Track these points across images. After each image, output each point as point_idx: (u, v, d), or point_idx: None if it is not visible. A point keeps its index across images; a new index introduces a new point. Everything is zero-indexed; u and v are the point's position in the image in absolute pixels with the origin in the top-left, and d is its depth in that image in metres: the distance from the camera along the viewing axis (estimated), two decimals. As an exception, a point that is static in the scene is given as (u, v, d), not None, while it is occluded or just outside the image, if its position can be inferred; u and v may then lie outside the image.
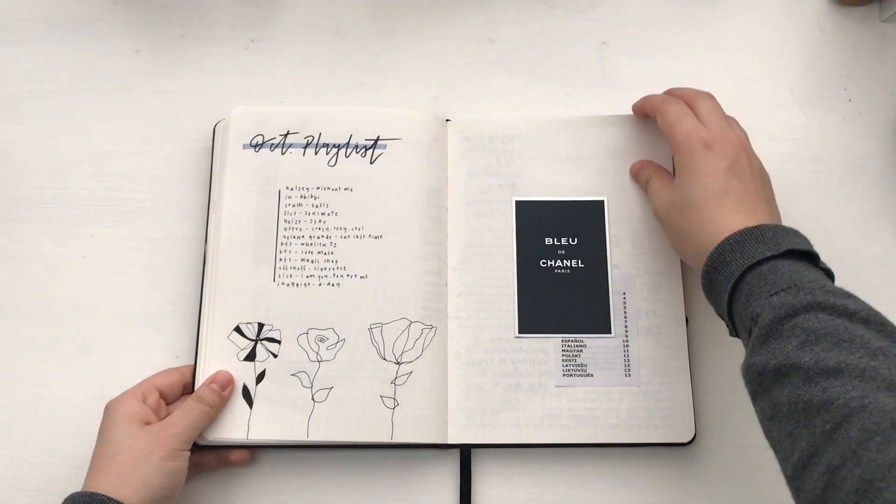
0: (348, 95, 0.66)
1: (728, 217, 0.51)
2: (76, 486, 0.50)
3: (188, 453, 0.52)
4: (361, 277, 0.58)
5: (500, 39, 0.68)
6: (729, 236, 0.49)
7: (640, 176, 0.61)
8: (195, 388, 0.56)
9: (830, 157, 0.64)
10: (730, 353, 0.60)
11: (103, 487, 0.48)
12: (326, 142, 0.61)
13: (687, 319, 0.59)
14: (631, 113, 0.62)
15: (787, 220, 0.63)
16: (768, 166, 0.64)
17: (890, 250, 0.62)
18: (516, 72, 0.67)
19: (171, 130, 0.65)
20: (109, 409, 0.53)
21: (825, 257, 0.62)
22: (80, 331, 0.61)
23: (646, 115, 0.61)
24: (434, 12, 0.68)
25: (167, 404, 0.55)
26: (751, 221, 0.50)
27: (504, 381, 0.58)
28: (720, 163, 0.53)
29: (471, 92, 0.66)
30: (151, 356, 0.60)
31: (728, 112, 0.66)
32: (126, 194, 0.64)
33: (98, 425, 0.52)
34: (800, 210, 0.63)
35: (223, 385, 0.55)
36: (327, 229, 0.60)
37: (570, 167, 0.62)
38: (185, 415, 0.53)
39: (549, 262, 0.60)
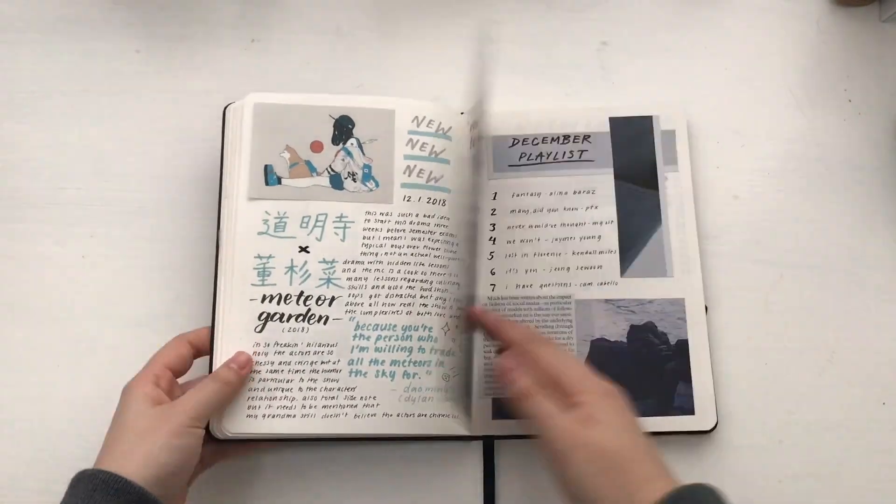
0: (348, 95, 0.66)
1: (657, 476, 0.47)
2: (76, 487, 0.50)
3: (200, 431, 0.51)
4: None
5: (500, 39, 0.68)
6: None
7: (512, 381, 0.51)
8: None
9: (830, 157, 0.64)
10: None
11: (108, 465, 0.48)
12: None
13: (706, 307, 0.59)
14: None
15: (788, 220, 0.63)
16: (768, 166, 0.64)
17: (890, 250, 0.62)
18: (516, 72, 0.67)
19: (171, 130, 0.65)
20: (123, 393, 0.52)
21: (825, 257, 0.62)
22: (80, 331, 0.61)
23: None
24: (434, 12, 0.68)
25: (178, 376, 0.55)
26: (672, 484, 0.46)
27: None
28: (628, 414, 0.49)
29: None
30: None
31: (728, 112, 0.66)
32: (126, 194, 0.64)
33: (99, 423, 0.52)
34: (800, 210, 0.63)
35: (241, 365, 0.54)
36: None
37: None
38: (196, 392, 0.52)
39: None
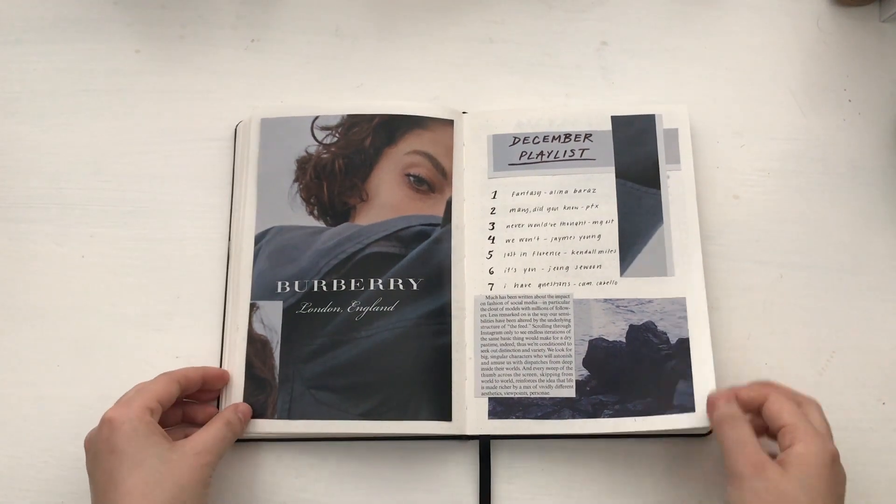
0: (348, 95, 0.66)
1: None
2: (76, 486, 0.50)
3: (210, 471, 0.51)
4: None
5: (500, 39, 0.68)
6: None
7: (719, 404, 0.52)
8: (222, 384, 0.57)
9: (830, 157, 0.64)
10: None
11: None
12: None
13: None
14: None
15: (788, 220, 0.63)
16: (768, 166, 0.64)
17: (890, 250, 0.62)
18: (516, 72, 0.67)
19: (171, 130, 0.65)
20: (115, 422, 0.49)
21: (825, 257, 0.62)
22: (80, 331, 0.61)
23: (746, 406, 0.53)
24: (434, 12, 0.68)
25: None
26: None
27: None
28: (839, 488, 0.49)
29: (470, 92, 0.66)
30: (151, 356, 0.60)
31: (728, 112, 0.66)
32: (126, 194, 0.64)
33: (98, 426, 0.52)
34: (800, 210, 0.63)
35: (246, 415, 0.55)
36: None
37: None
38: (218, 442, 0.52)
39: None
